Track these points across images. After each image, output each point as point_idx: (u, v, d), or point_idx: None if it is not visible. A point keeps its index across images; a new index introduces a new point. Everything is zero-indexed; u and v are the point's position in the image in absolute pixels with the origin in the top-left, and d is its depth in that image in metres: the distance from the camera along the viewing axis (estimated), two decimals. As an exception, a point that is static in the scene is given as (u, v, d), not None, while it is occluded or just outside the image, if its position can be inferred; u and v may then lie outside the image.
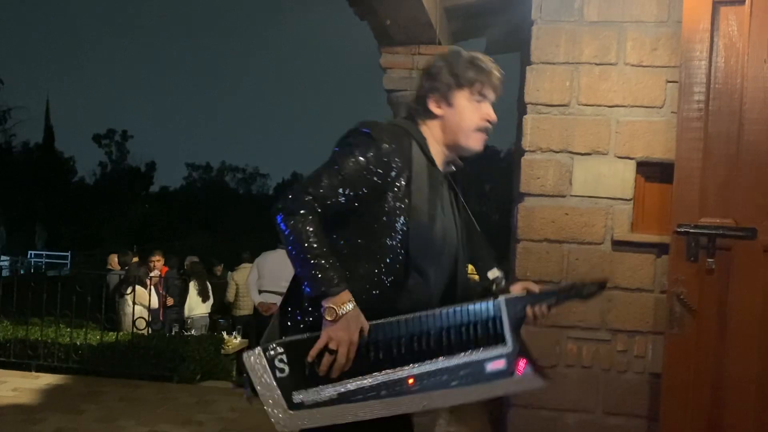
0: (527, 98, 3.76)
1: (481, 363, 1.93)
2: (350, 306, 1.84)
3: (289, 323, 1.96)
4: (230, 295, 10.04)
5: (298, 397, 1.85)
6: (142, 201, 45.66)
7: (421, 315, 1.92)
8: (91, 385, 5.96)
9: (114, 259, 10.16)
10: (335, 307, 1.82)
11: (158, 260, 9.41)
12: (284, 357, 1.86)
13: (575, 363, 3.71)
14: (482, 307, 1.99)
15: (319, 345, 1.83)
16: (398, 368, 1.88)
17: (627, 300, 3.67)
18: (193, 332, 8.56)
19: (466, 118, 2.11)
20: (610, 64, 3.68)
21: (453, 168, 2.21)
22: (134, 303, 7.56)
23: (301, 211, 1.87)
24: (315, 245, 1.85)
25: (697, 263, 3.18)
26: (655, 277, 3.63)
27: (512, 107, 4.63)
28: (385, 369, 1.88)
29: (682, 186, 3.27)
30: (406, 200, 1.95)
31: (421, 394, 1.88)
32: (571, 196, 3.71)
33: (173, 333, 7.96)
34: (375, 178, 1.94)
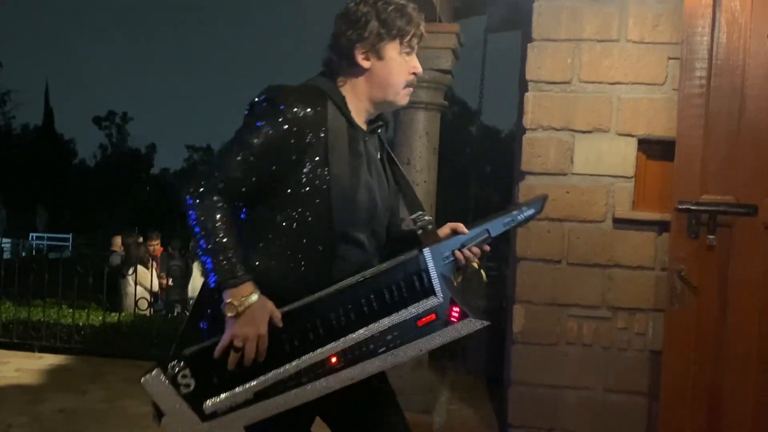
0: (528, 76, 3.75)
1: (410, 322, 1.82)
2: (254, 297, 1.71)
3: (198, 328, 1.86)
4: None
5: (210, 407, 1.75)
6: (143, 183, 45.64)
7: (337, 289, 1.81)
8: (94, 365, 5.96)
9: (118, 241, 10.18)
10: (235, 302, 1.70)
11: (156, 243, 9.41)
12: (187, 371, 1.75)
13: (576, 341, 3.73)
14: (405, 263, 1.86)
15: (222, 344, 1.71)
16: (317, 350, 1.78)
17: (628, 278, 3.67)
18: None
19: (395, 73, 1.92)
20: (612, 41, 3.65)
21: (380, 124, 2.03)
22: (136, 283, 7.58)
23: (210, 198, 1.74)
24: (220, 235, 1.72)
25: (698, 240, 3.18)
26: (656, 255, 3.63)
27: (514, 86, 4.61)
28: (303, 354, 1.78)
29: (683, 163, 3.26)
30: (326, 168, 1.81)
31: (347, 370, 1.79)
32: (573, 174, 3.71)
33: (175, 314, 7.98)
34: (288, 151, 1.79)
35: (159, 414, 1.79)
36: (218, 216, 1.74)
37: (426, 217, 1.96)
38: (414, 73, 1.97)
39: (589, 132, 3.67)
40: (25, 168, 38.14)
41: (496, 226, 1.98)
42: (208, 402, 1.76)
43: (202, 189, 1.76)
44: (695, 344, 3.26)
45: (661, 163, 3.61)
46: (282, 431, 1.87)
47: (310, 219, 1.83)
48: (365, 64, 1.91)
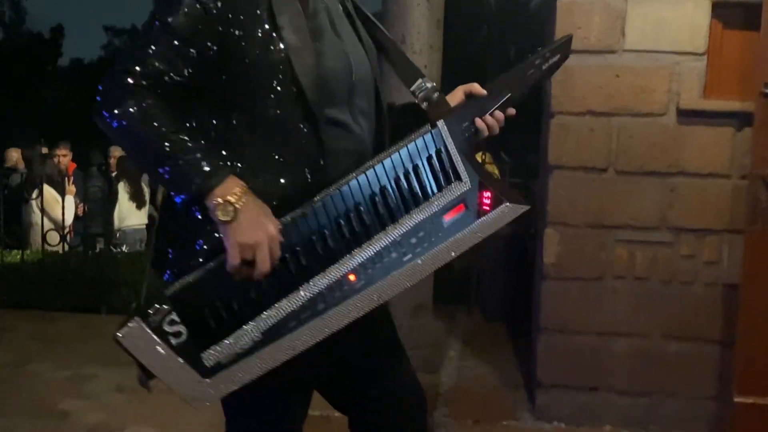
0: None
1: (436, 218, 1.87)
2: (246, 191, 1.70)
3: (173, 264, 1.83)
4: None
5: (210, 358, 1.75)
6: (47, 78, 45.04)
7: (340, 187, 1.82)
8: (-8, 319, 6.05)
9: (16, 155, 10.08)
10: (225, 201, 1.67)
11: (64, 155, 9.30)
12: (174, 316, 1.73)
13: (626, 274, 3.75)
14: (419, 143, 1.89)
15: (233, 262, 1.68)
16: (331, 268, 1.80)
17: (695, 189, 3.67)
18: (124, 249, 8.59)
19: None
20: None
21: None
22: (42, 211, 7.54)
23: (133, 100, 1.72)
24: (171, 132, 1.71)
25: (791, 137, 3.17)
26: (734, 158, 3.62)
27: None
28: (315, 275, 1.79)
29: (773, 33, 3.21)
30: (277, 37, 1.80)
31: (370, 289, 1.81)
32: (624, 51, 3.65)
33: (97, 250, 7.97)
34: (224, 25, 1.78)
35: (147, 376, 1.78)
36: (154, 112, 1.72)
37: (429, 84, 1.98)
38: None
39: (647, -7, 3.60)
40: None
41: (518, 82, 2.02)
42: (208, 352, 1.75)
43: (119, 92, 1.74)
44: (784, 275, 3.27)
45: (743, 34, 3.56)
46: (271, 412, 1.94)
47: (278, 110, 1.82)
48: None
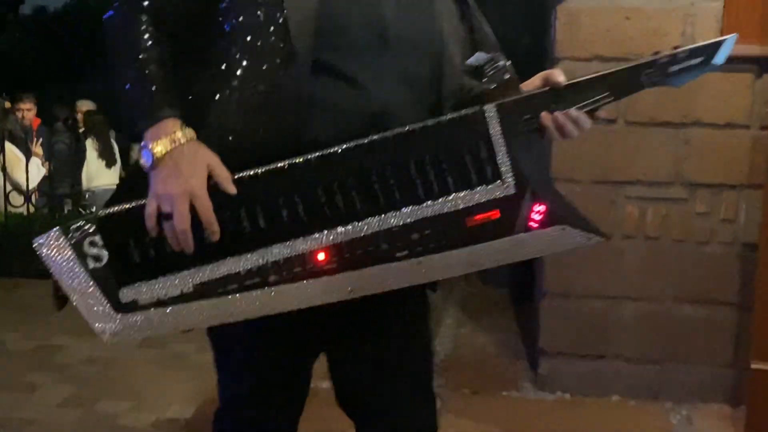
0: None
1: (454, 217, 1.69)
2: (180, 138, 1.66)
3: (122, 188, 1.82)
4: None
5: (127, 294, 1.69)
6: (9, 28, 44.67)
7: (334, 152, 1.69)
8: (-50, 286, 6.02)
9: (-26, 110, 10.01)
10: (153, 144, 1.64)
11: (28, 108, 9.23)
12: (98, 238, 1.68)
13: (636, 233, 3.74)
14: (456, 124, 1.71)
15: (148, 209, 1.65)
16: (296, 239, 1.68)
17: (712, 141, 3.64)
18: (94, 210, 8.55)
19: None
20: None
21: None
22: (4, 170, 7.50)
23: (136, 13, 1.75)
24: (143, 56, 1.71)
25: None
26: (753, 107, 3.59)
27: None
28: (273, 242, 1.68)
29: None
30: None
31: (340, 276, 1.69)
32: (634, -10, 3.62)
33: (65, 212, 7.94)
34: None
35: (59, 296, 1.74)
36: (144, 33, 1.73)
37: (502, 62, 1.81)
38: None
39: (660, -75, 3.55)
40: None
41: (625, 82, 1.79)
42: (127, 287, 1.70)
43: (125, 3, 1.78)
44: (806, 232, 3.26)
45: (765, -30, 3.51)
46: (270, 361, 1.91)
47: (260, 45, 1.74)
48: None
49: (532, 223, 1.70)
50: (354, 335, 1.95)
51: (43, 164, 8.67)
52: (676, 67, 1.85)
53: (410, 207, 1.69)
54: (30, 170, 7.62)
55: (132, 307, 1.70)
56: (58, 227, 1.69)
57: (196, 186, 1.63)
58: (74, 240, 1.68)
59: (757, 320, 3.36)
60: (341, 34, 1.77)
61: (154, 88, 1.70)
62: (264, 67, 1.74)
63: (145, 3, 1.75)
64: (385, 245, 1.69)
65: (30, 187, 7.63)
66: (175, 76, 1.75)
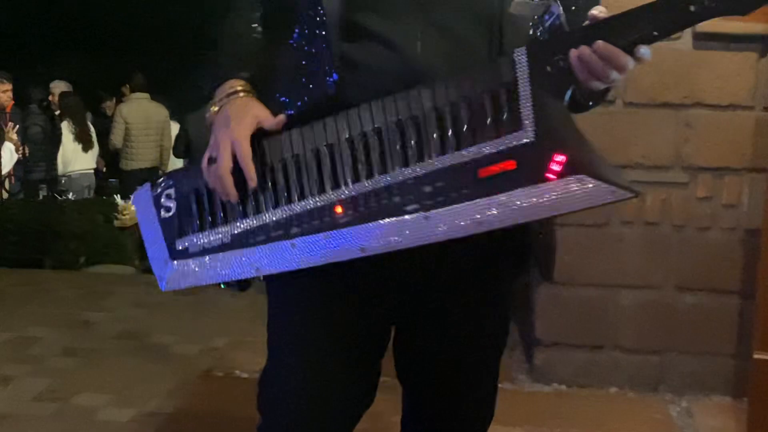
0: None
1: (466, 168, 1.63)
2: (239, 93, 1.84)
3: None
4: (117, 138, 9.92)
5: (182, 243, 1.91)
6: (-20, 4, 44.40)
7: (357, 110, 1.72)
8: None
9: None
10: (215, 101, 1.85)
11: (4, 90, 9.19)
12: (172, 192, 1.93)
13: (634, 218, 3.76)
14: (478, 72, 1.67)
15: (203, 160, 1.81)
16: (319, 194, 1.75)
17: (714, 122, 3.66)
18: (71, 196, 8.56)
19: None
20: None
21: None
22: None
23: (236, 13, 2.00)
24: (223, 41, 1.99)
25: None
26: (758, 87, 3.61)
27: None
28: (299, 197, 1.77)
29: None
30: None
31: (353, 228, 1.71)
32: (633, -35, 3.62)
33: (40, 198, 7.94)
34: None
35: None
36: (232, 25, 1.99)
37: (557, 11, 1.68)
38: None
39: None
40: None
41: (669, 17, 1.57)
42: (182, 238, 1.90)
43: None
44: (810, 217, 3.28)
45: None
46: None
47: (296, 12, 1.87)
48: None
49: (549, 174, 1.57)
50: (426, 320, 1.94)
51: (17, 149, 8.67)
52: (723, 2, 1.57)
53: (425, 158, 1.66)
54: (3, 155, 7.63)
55: (183, 254, 1.89)
56: (147, 183, 1.99)
57: (239, 134, 1.75)
58: (155, 193, 1.95)
59: (759, 309, 3.37)
60: None
61: (224, 56, 1.96)
62: (302, 33, 1.85)
63: None
64: (397, 198, 1.68)
65: (3, 173, 7.63)
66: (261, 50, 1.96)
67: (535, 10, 1.73)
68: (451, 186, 1.63)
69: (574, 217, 3.73)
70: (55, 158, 9.36)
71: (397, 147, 1.68)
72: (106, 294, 5.75)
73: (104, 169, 10.73)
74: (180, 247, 1.89)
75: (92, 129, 10.08)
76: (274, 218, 1.79)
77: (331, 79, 1.77)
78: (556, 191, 1.57)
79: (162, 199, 1.94)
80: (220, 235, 1.85)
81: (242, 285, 1.92)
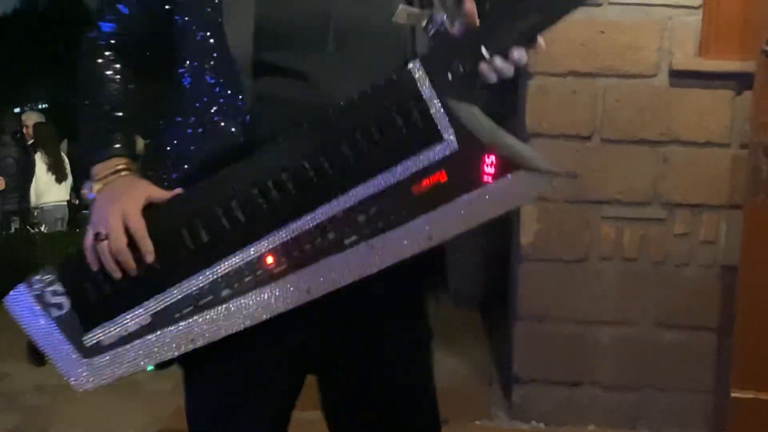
0: None
1: (398, 189, 1.62)
2: (121, 170, 1.78)
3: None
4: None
5: (92, 337, 1.74)
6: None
7: (267, 149, 1.68)
8: None
9: None
10: (96, 179, 1.79)
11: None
12: (58, 287, 1.74)
13: (612, 254, 3.76)
14: (383, 90, 1.64)
15: (86, 240, 1.71)
16: (244, 248, 1.67)
17: (691, 159, 3.67)
18: (43, 228, 8.50)
19: None
20: None
21: None
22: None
23: (99, 51, 1.89)
24: (97, 95, 1.86)
25: (797, 101, 3.18)
26: (733, 125, 3.63)
27: None
28: (220, 256, 1.67)
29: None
30: None
31: (295, 275, 1.65)
32: (610, 4, 3.64)
33: (12, 230, 7.89)
34: None
35: (33, 351, 1.79)
36: (105, 71, 1.86)
37: (439, 17, 1.69)
38: None
39: (636, -64, 3.59)
40: None
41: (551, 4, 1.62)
42: (90, 331, 1.74)
43: (89, 40, 1.89)
44: (788, 254, 3.29)
45: (744, -16, 3.56)
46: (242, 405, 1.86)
47: (202, 52, 1.80)
48: None
49: (486, 177, 1.60)
50: (345, 359, 1.92)
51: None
52: None
53: (350, 188, 1.63)
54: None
55: (97, 349, 1.73)
56: (23, 283, 1.76)
57: (129, 206, 1.69)
58: (36, 292, 1.74)
59: (737, 346, 3.39)
60: (282, 32, 1.76)
61: (105, 120, 1.83)
62: (208, 77, 1.78)
63: (104, 38, 1.88)
64: (331, 234, 1.64)
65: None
66: (137, 106, 1.87)
67: (418, 19, 1.72)
68: (387, 210, 1.62)
69: (552, 252, 3.75)
70: (28, 190, 9.32)
71: (315, 182, 1.64)
72: (79, 328, 5.72)
73: (77, 201, 10.68)
74: (90, 344, 1.73)
75: (66, 160, 10.03)
76: (198, 286, 1.69)
77: (242, 117, 1.72)
78: (496, 191, 1.60)
79: (47, 297, 1.75)
80: (137, 318, 1.70)
81: (164, 363, 1.77)
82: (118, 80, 1.86)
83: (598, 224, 3.74)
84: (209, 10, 1.75)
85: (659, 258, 3.73)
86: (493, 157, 1.59)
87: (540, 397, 3.89)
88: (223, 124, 1.74)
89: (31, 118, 10.68)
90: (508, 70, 1.61)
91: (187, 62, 1.82)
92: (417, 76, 1.61)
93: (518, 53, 1.60)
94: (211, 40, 1.77)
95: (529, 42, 1.61)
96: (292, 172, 1.64)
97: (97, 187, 1.78)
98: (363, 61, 1.78)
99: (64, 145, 10.79)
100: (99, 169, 1.79)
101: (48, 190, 9.56)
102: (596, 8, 3.64)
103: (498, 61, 1.60)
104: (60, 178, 9.70)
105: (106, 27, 1.88)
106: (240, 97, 1.74)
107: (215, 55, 1.77)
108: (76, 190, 10.49)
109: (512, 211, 4.12)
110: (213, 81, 1.77)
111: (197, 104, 1.78)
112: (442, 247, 1.77)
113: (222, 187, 1.68)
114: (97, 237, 1.68)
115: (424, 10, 1.71)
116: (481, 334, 5.28)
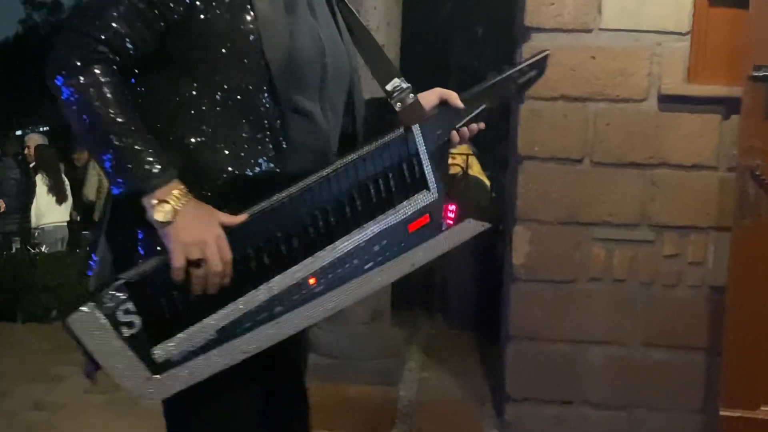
0: None
1: (400, 227, 1.98)
2: (186, 194, 1.76)
3: (124, 248, 1.87)
4: (90, 191, 9.90)
5: (162, 353, 1.80)
6: (-44, 57, 44.41)
7: (309, 183, 1.89)
8: None
9: None
10: (169, 199, 1.74)
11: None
12: (130, 305, 1.77)
13: (603, 275, 3.78)
14: (390, 146, 1.98)
15: (177, 264, 1.74)
16: (293, 269, 1.88)
17: (679, 182, 3.70)
18: (44, 249, 8.49)
19: None
20: None
21: None
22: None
23: (90, 67, 1.76)
24: (119, 117, 1.75)
25: (782, 125, 3.20)
26: (721, 148, 3.66)
27: None
28: (275, 275, 1.87)
29: (764, 12, 3.24)
30: (249, 8, 1.85)
31: (327, 295, 1.92)
32: (601, 30, 3.68)
33: (13, 251, 7.89)
34: None
35: (93, 366, 1.81)
36: (109, 91, 1.76)
37: (404, 85, 2.02)
38: None
39: (626, -34, 3.63)
40: None
41: (495, 94, 2.11)
42: (159, 347, 1.80)
43: (75, 58, 1.76)
44: (774, 276, 3.32)
45: (731, 12, 3.59)
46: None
47: (243, 84, 1.86)
48: None
49: (449, 221, 2.02)
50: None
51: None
52: (523, 79, 2.14)
53: (372, 222, 1.95)
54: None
55: (167, 365, 1.80)
56: (90, 302, 1.76)
57: (216, 230, 1.78)
58: (108, 312, 1.76)
59: (725, 366, 3.40)
60: (303, 72, 1.93)
61: (145, 151, 1.76)
62: (253, 99, 1.87)
63: (101, 49, 1.78)
64: (356, 260, 1.93)
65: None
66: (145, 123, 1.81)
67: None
68: (392, 242, 1.97)
69: (543, 273, 3.78)
70: (29, 210, 9.32)
71: (349, 216, 1.93)
72: (77, 348, 5.71)
73: (78, 220, 10.68)
74: (161, 360, 1.79)
75: (66, 182, 10.03)
76: (257, 303, 1.84)
77: (279, 150, 1.89)
78: (453, 233, 2.03)
79: (119, 316, 1.77)
80: (202, 334, 1.81)
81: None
82: (126, 99, 1.79)
83: (588, 246, 3.77)
84: (251, 42, 1.85)
85: (648, 279, 3.76)
86: (453, 206, 2.03)
87: (532, 415, 3.90)
88: (258, 145, 1.88)
89: (33, 140, 10.70)
90: (465, 138, 2.08)
91: (217, 90, 1.86)
92: (417, 138, 1.99)
93: (472, 129, 2.08)
94: (252, 70, 1.85)
95: (478, 122, 2.09)
96: (331, 208, 1.92)
97: (164, 210, 1.74)
98: (337, 105, 2.07)
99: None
100: (160, 194, 1.74)
101: (48, 211, 9.55)
102: (587, 34, 3.68)
103: (464, 131, 2.07)
104: (60, 200, 9.69)
105: (109, 35, 1.79)
106: (267, 127, 1.89)
107: (253, 88, 1.87)
108: (77, 210, 10.50)
109: (505, 234, 4.15)
110: (251, 105, 1.87)
111: (227, 134, 1.86)
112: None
113: (278, 217, 1.87)
114: (193, 262, 1.74)
115: (401, 81, 2.06)
116: (473, 354, 5.30)
